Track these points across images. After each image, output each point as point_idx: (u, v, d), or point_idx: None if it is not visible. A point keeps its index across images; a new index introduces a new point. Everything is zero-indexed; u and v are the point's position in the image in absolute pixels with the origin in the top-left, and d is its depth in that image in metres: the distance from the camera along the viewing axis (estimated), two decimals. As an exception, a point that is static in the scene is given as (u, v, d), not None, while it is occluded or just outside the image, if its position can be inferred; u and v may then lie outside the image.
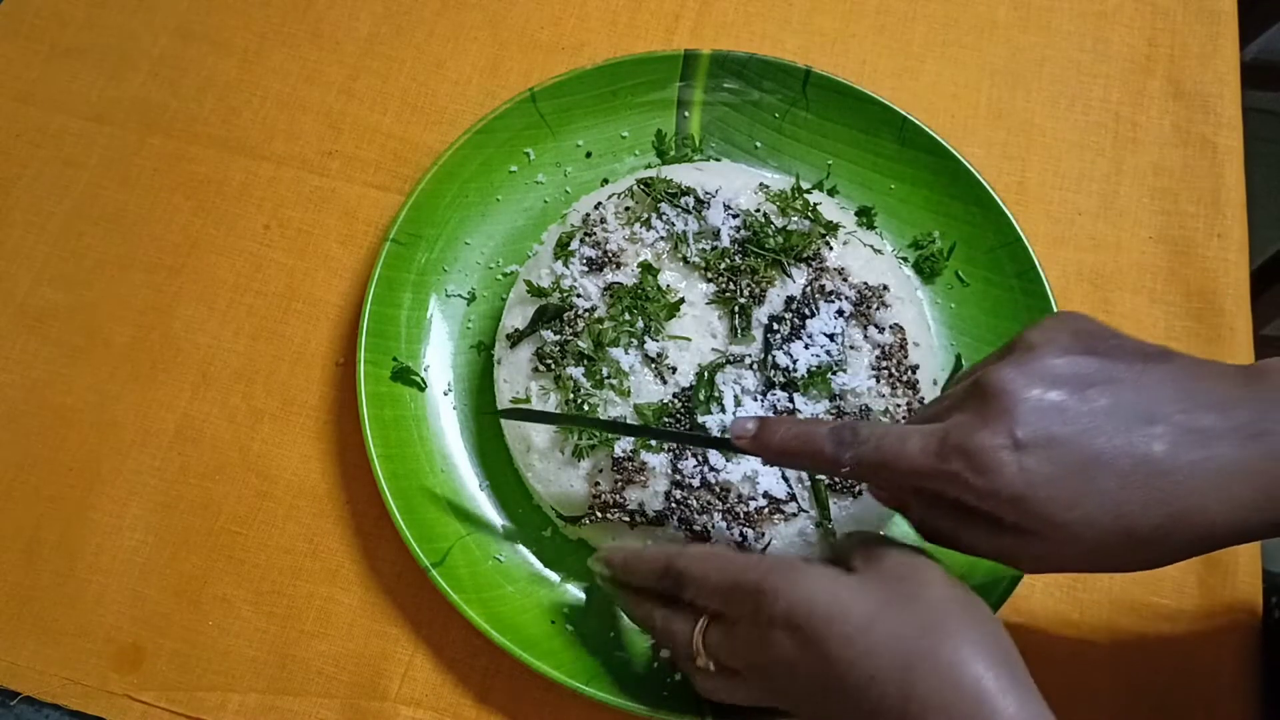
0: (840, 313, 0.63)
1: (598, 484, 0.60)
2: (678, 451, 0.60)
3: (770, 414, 0.61)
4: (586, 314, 0.63)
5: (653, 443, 0.61)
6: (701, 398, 0.61)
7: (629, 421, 0.61)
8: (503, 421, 0.65)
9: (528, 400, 0.63)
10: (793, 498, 0.60)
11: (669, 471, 0.60)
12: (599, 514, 0.60)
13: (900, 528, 0.62)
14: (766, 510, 0.59)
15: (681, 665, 0.56)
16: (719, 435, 0.57)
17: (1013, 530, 0.46)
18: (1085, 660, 0.64)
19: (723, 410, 0.61)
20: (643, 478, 0.60)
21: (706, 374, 0.62)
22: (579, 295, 0.64)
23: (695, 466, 0.60)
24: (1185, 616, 0.65)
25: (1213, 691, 0.63)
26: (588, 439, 0.61)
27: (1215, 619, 0.64)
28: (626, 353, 0.62)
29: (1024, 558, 0.48)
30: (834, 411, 0.61)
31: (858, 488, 0.61)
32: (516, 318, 0.65)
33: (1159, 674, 0.63)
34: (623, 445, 0.60)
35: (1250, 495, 0.44)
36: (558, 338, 0.63)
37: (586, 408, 0.61)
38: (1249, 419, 0.44)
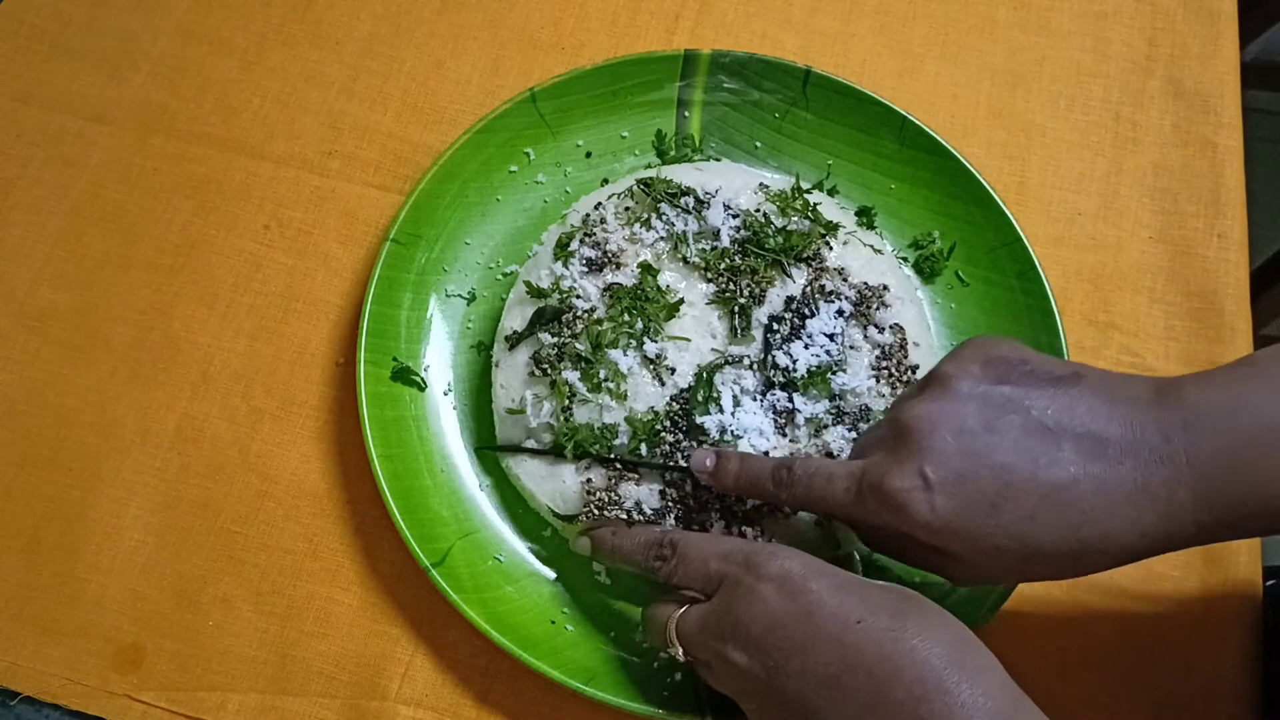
0: (840, 313, 0.63)
1: (589, 480, 0.60)
2: (669, 454, 0.60)
3: (770, 413, 0.61)
4: (585, 315, 0.63)
5: (641, 451, 0.60)
6: (700, 398, 0.61)
7: (619, 432, 0.61)
8: (496, 422, 0.65)
9: (522, 411, 0.63)
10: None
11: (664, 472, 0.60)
12: (596, 511, 0.60)
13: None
14: (766, 508, 0.59)
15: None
16: (682, 465, 0.60)
17: (936, 552, 0.50)
18: (1083, 656, 0.64)
19: (721, 411, 0.61)
20: (635, 474, 0.60)
21: (705, 374, 0.62)
22: (578, 296, 0.64)
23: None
24: (1185, 613, 0.65)
25: (1212, 689, 0.63)
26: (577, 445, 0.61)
27: (1215, 615, 0.65)
28: (625, 354, 0.62)
29: (953, 575, 0.51)
30: (834, 411, 0.61)
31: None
32: (515, 319, 0.65)
33: (1158, 669, 0.63)
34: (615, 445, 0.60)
35: (1153, 518, 0.45)
36: (555, 340, 0.63)
37: (581, 412, 0.61)
38: (1153, 441, 0.46)
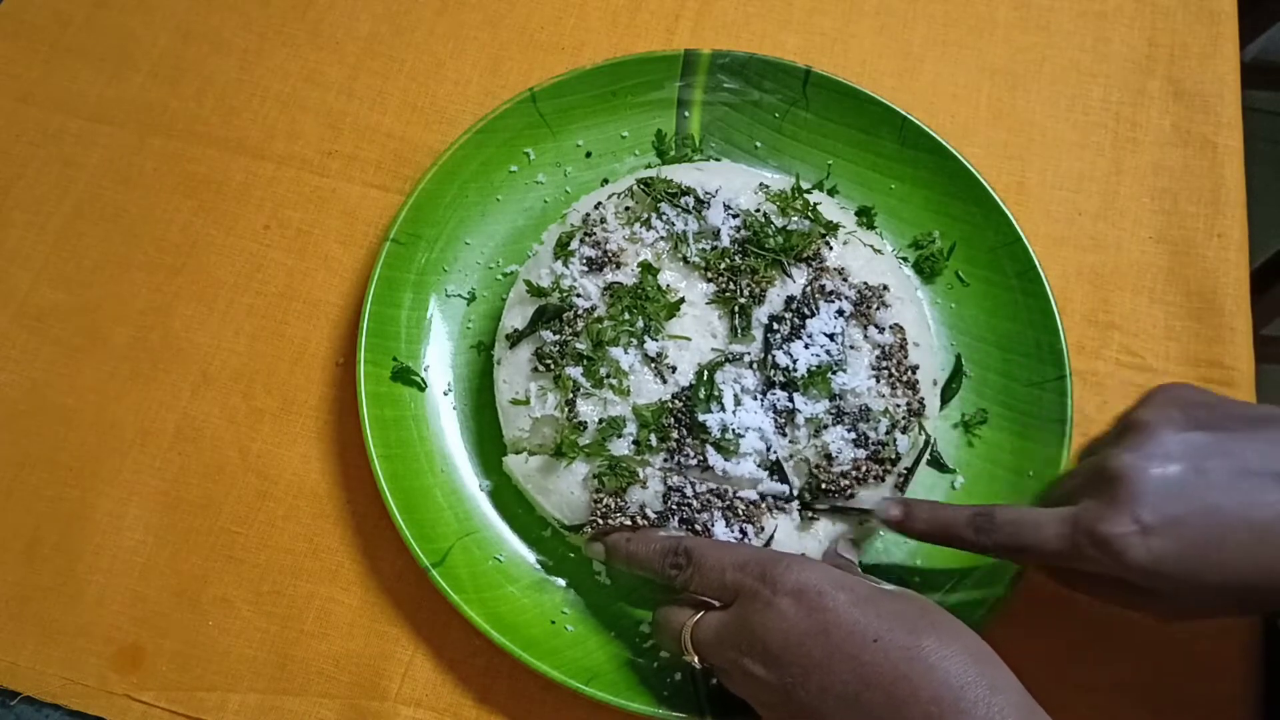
0: (840, 312, 0.63)
1: (599, 490, 0.60)
2: (674, 448, 0.60)
3: (770, 413, 0.61)
4: (586, 313, 0.63)
5: (652, 441, 0.61)
6: (701, 396, 0.61)
7: (628, 421, 0.61)
8: (500, 416, 0.65)
9: (526, 402, 0.63)
10: (790, 494, 0.60)
11: (667, 470, 0.60)
12: (601, 520, 0.60)
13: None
14: (765, 505, 0.60)
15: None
16: (864, 509, 0.60)
17: (1148, 593, 0.51)
18: (1081, 654, 0.64)
19: (722, 409, 0.61)
20: (642, 478, 0.60)
21: (706, 373, 0.62)
22: (579, 295, 0.64)
23: (693, 458, 0.60)
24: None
25: (1213, 687, 0.63)
26: (585, 449, 0.61)
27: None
28: (626, 352, 0.62)
29: (1160, 611, 0.53)
30: (834, 411, 0.61)
31: (851, 492, 0.61)
32: (516, 318, 0.65)
33: (1158, 669, 0.63)
34: (618, 447, 0.60)
35: None
36: (557, 338, 0.63)
37: (585, 405, 0.61)
38: None
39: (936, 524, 0.57)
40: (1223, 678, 0.63)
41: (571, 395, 0.61)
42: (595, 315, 0.63)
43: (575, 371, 0.62)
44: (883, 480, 0.61)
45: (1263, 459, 0.49)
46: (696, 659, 0.53)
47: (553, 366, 0.62)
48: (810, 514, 0.61)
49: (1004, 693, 0.46)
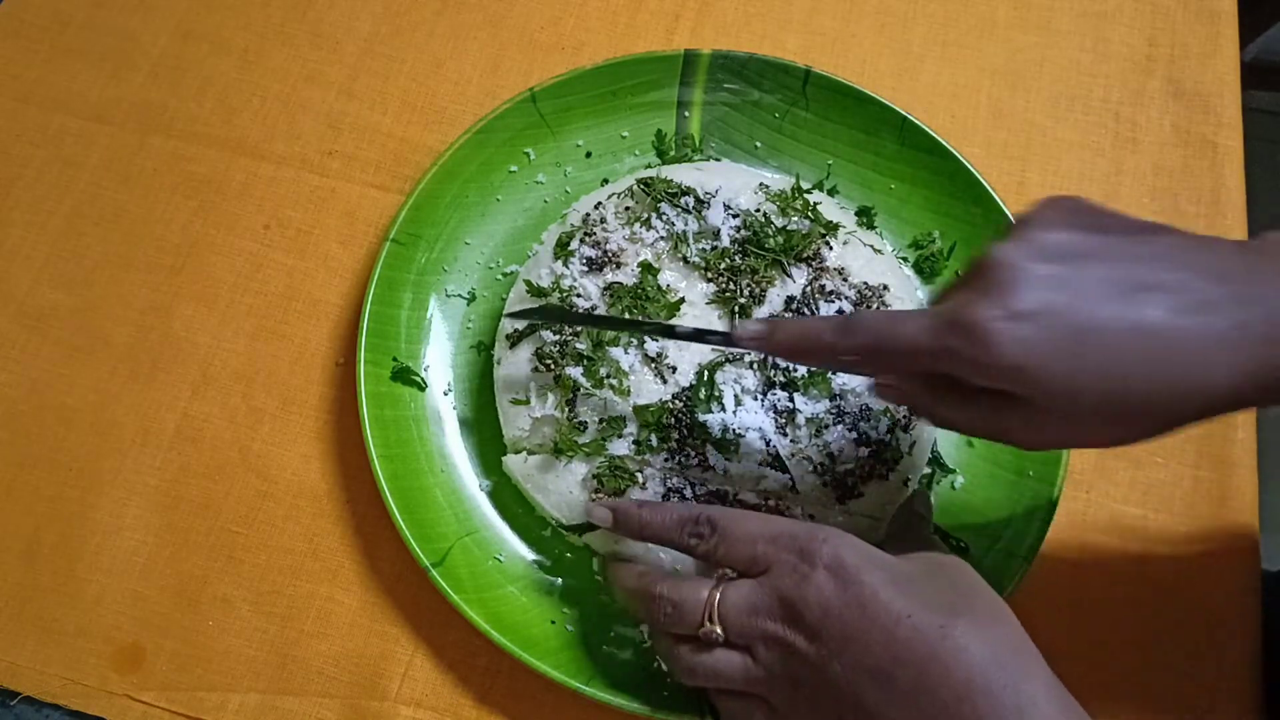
0: (840, 313, 0.63)
1: (598, 490, 0.60)
2: (675, 448, 0.60)
3: (771, 413, 0.61)
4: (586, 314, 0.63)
5: (652, 441, 0.61)
6: (702, 396, 0.61)
7: (629, 423, 0.61)
8: (500, 416, 0.65)
9: (526, 402, 0.63)
10: (793, 487, 0.60)
11: (667, 470, 0.60)
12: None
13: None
14: (766, 507, 0.60)
15: (669, 649, 0.54)
16: (723, 335, 0.57)
17: (1011, 402, 0.46)
18: (1093, 639, 0.64)
19: (723, 409, 0.61)
20: (641, 479, 0.60)
21: (706, 373, 0.62)
22: (579, 295, 0.64)
23: (693, 458, 0.60)
24: (1188, 606, 0.65)
25: (1214, 684, 0.63)
26: (584, 448, 0.61)
27: (1216, 606, 0.65)
28: (626, 352, 0.62)
29: (1023, 432, 0.48)
30: (834, 411, 0.61)
31: (859, 490, 0.61)
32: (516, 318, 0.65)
33: (1160, 661, 0.63)
34: (618, 447, 0.61)
35: (1246, 361, 0.44)
36: (557, 338, 0.63)
37: (585, 405, 0.61)
38: (1247, 287, 0.44)
39: (801, 336, 0.52)
40: (1225, 673, 0.63)
41: (571, 395, 0.61)
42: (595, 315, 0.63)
43: (575, 371, 0.62)
44: (886, 479, 0.61)
45: (1143, 263, 0.45)
46: (720, 631, 0.51)
47: (553, 366, 0.62)
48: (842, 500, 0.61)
49: (1034, 680, 0.45)
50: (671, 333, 0.59)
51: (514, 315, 0.64)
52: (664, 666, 0.59)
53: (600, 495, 0.60)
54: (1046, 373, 0.44)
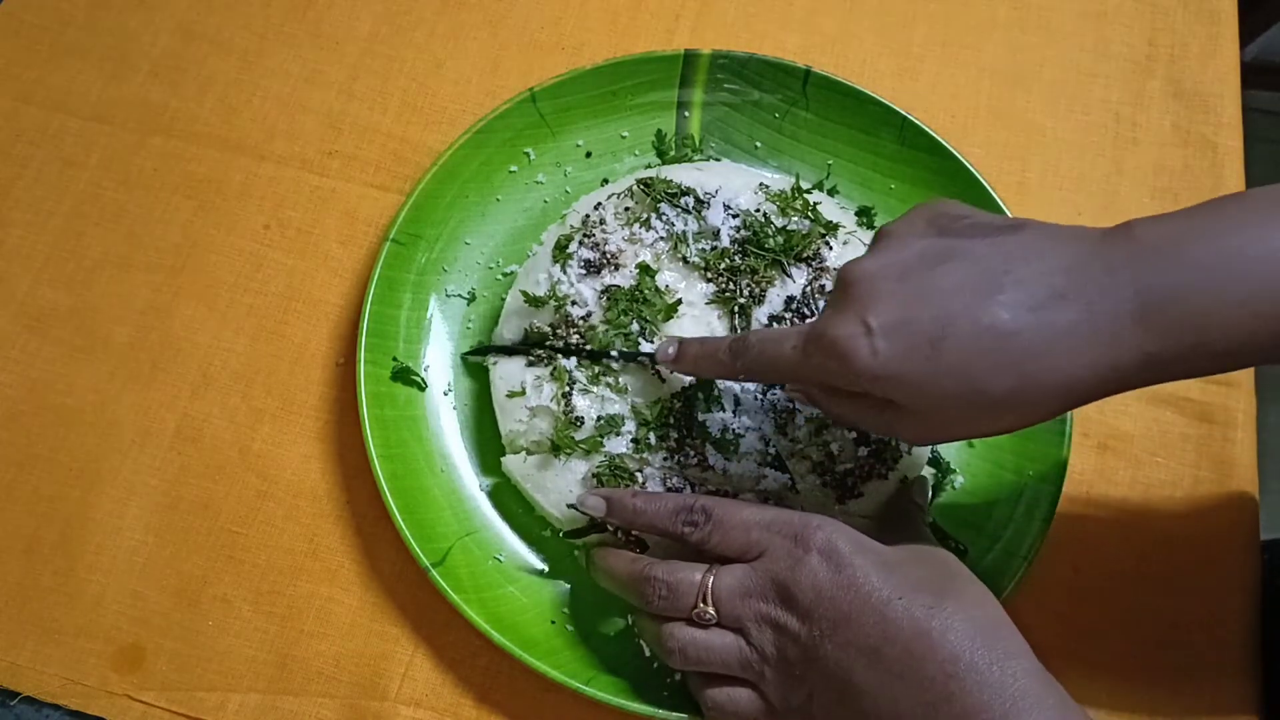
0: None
1: (597, 488, 0.60)
2: (675, 447, 0.60)
3: (770, 412, 0.61)
4: (581, 321, 0.63)
5: (651, 440, 0.61)
6: (701, 397, 0.61)
7: (627, 419, 0.61)
8: (497, 412, 0.65)
9: (522, 393, 0.63)
10: (792, 486, 0.60)
11: (666, 470, 0.60)
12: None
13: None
14: (771, 504, 0.60)
15: (659, 631, 0.55)
16: (649, 355, 0.62)
17: (888, 407, 0.49)
18: (1089, 634, 0.64)
19: (723, 409, 0.61)
20: (641, 479, 0.60)
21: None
22: (574, 304, 0.64)
23: (693, 457, 0.60)
24: (1187, 597, 0.65)
25: (1215, 681, 0.63)
26: (582, 444, 0.61)
27: (1216, 600, 0.65)
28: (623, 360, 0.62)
29: (906, 429, 0.50)
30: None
31: (859, 489, 0.61)
32: (512, 328, 0.66)
33: (1161, 650, 0.64)
34: (617, 446, 0.61)
35: (1100, 351, 0.44)
36: (550, 343, 0.63)
37: (582, 401, 0.61)
38: (1098, 276, 0.45)
39: (703, 355, 0.57)
40: (1225, 665, 0.63)
41: (568, 388, 0.61)
42: (589, 323, 0.63)
43: (570, 364, 0.62)
44: (885, 478, 0.61)
45: (1000, 261, 0.46)
46: (712, 612, 0.52)
47: (549, 360, 0.62)
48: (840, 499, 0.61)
49: (1017, 658, 0.47)
50: (607, 355, 0.62)
51: (472, 353, 0.68)
52: (648, 645, 0.59)
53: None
54: (907, 380, 0.47)
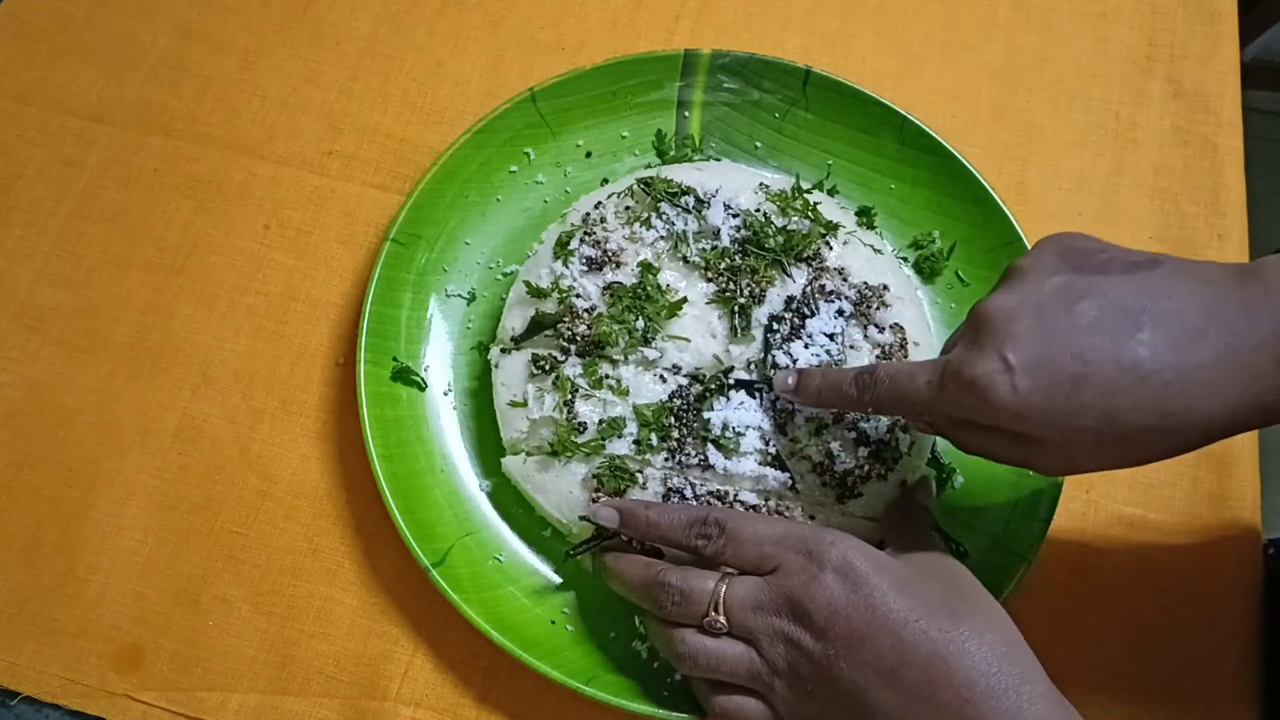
0: (840, 312, 0.63)
1: (597, 490, 0.60)
2: (676, 447, 0.60)
3: (770, 412, 0.61)
4: (586, 313, 0.63)
5: (653, 441, 0.61)
6: (712, 390, 0.62)
7: (629, 421, 0.61)
8: (498, 418, 0.65)
9: (524, 404, 0.63)
10: (793, 485, 0.60)
11: (667, 470, 0.60)
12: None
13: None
14: (766, 508, 0.60)
15: (670, 636, 0.55)
16: (760, 384, 0.62)
17: (1023, 440, 0.49)
18: (1090, 639, 0.64)
19: (724, 407, 0.61)
20: (641, 479, 0.60)
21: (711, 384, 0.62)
22: (578, 295, 0.64)
23: (694, 457, 0.60)
24: (1188, 597, 0.65)
25: (1214, 676, 0.63)
26: (583, 448, 0.61)
27: (1218, 595, 0.65)
28: (626, 359, 0.62)
29: (1039, 464, 0.51)
30: (834, 411, 0.61)
31: (858, 490, 0.61)
32: (516, 319, 0.65)
33: (1163, 650, 0.64)
34: (618, 447, 0.61)
35: (1236, 389, 0.45)
36: (556, 341, 0.63)
37: (584, 406, 0.61)
38: (1236, 315, 0.46)
39: (827, 387, 0.57)
40: (1225, 662, 0.63)
41: (570, 396, 0.61)
42: (595, 315, 0.63)
43: (573, 372, 0.62)
44: (885, 478, 0.61)
45: (1137, 299, 0.47)
46: (724, 621, 0.52)
47: (550, 368, 0.62)
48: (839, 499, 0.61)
49: (1032, 682, 0.47)
50: (720, 385, 0.62)
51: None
52: (659, 649, 0.59)
53: (600, 495, 0.60)
54: (1046, 416, 0.47)
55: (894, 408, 0.54)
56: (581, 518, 0.61)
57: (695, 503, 0.59)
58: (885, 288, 0.65)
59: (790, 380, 0.59)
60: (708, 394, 0.62)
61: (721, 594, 0.53)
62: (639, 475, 0.60)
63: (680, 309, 0.63)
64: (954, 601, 0.50)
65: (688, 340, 0.63)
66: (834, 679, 0.49)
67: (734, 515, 0.55)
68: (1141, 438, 0.47)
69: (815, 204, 0.67)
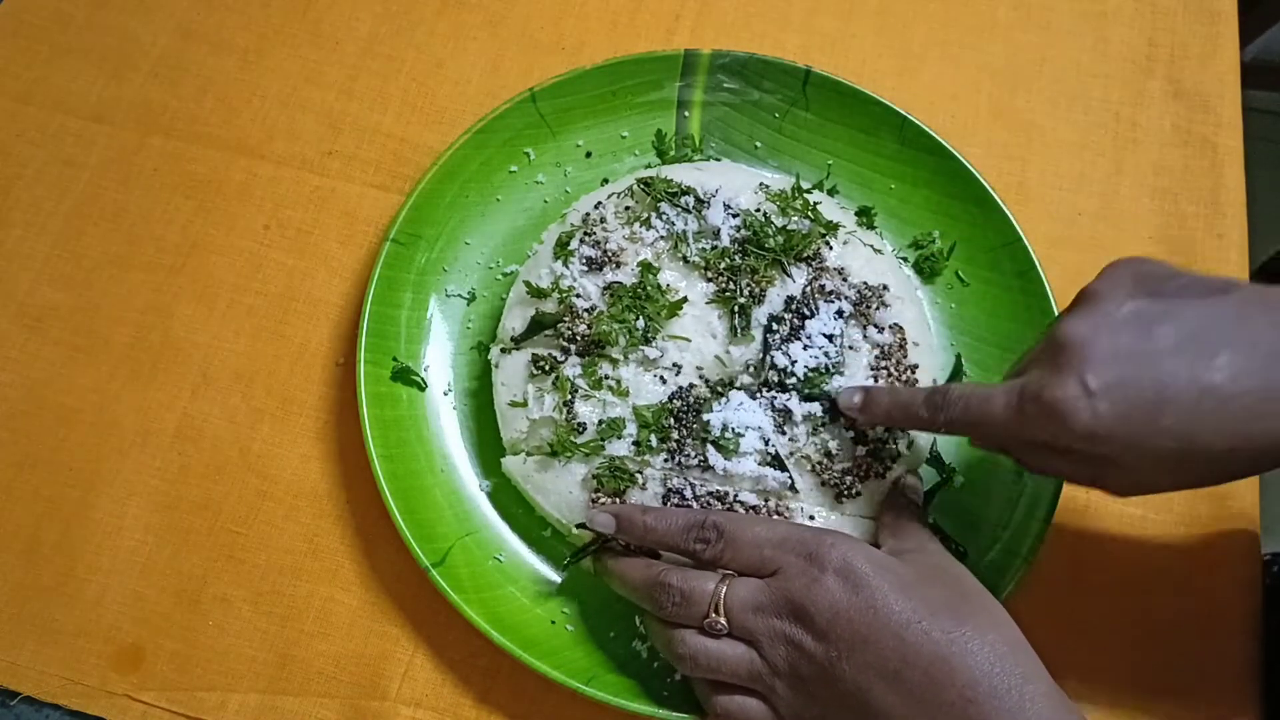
0: (840, 313, 0.63)
1: (597, 490, 0.60)
2: (675, 448, 0.60)
3: (769, 411, 0.61)
4: (586, 313, 0.63)
5: (652, 442, 0.61)
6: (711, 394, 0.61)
7: (629, 421, 0.61)
8: (499, 418, 0.65)
9: (524, 404, 0.63)
10: (792, 485, 0.60)
11: (667, 471, 0.60)
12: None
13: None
14: (766, 509, 0.60)
15: (671, 636, 0.55)
16: (831, 401, 0.61)
17: (1099, 461, 0.50)
18: (1090, 642, 0.64)
19: (723, 408, 0.61)
20: (641, 480, 0.60)
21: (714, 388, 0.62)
22: (578, 295, 0.64)
23: (693, 458, 0.60)
24: (1189, 598, 0.65)
25: (1216, 674, 0.63)
26: (583, 448, 0.61)
27: (1218, 594, 0.65)
28: (626, 359, 0.62)
29: (1114, 483, 0.52)
30: (832, 410, 0.61)
31: (856, 489, 0.61)
32: (516, 319, 0.65)
33: (1165, 653, 0.64)
34: (618, 448, 0.60)
35: None
36: (556, 341, 0.63)
37: (584, 407, 0.61)
38: None
39: (896, 407, 0.58)
40: (1225, 666, 0.63)
41: (570, 397, 0.61)
42: (595, 314, 0.63)
43: (573, 373, 0.62)
44: (883, 477, 0.61)
45: (1211, 325, 0.48)
46: (724, 623, 0.53)
47: (550, 369, 0.62)
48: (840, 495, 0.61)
49: (1034, 682, 0.47)
50: (819, 394, 0.62)
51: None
52: (659, 649, 0.59)
53: (600, 495, 0.60)
54: (1125, 439, 0.48)
55: (967, 429, 0.55)
56: (579, 526, 0.61)
57: (695, 503, 0.59)
58: (885, 288, 0.65)
59: (856, 399, 0.59)
60: (709, 397, 0.62)
61: (722, 595, 0.53)
62: (639, 476, 0.60)
63: (680, 309, 0.63)
64: (956, 602, 0.50)
65: (688, 340, 0.63)
66: (836, 680, 0.49)
67: (732, 518, 0.55)
68: (1222, 459, 0.48)
69: (815, 204, 0.67)
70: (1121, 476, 0.51)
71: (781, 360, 0.61)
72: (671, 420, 0.61)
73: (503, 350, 0.65)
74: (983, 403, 0.53)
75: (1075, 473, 0.53)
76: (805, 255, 0.65)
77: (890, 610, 0.49)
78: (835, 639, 0.50)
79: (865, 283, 0.65)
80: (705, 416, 0.60)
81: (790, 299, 0.64)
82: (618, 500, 0.60)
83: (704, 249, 0.65)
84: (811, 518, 0.60)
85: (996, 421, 0.52)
